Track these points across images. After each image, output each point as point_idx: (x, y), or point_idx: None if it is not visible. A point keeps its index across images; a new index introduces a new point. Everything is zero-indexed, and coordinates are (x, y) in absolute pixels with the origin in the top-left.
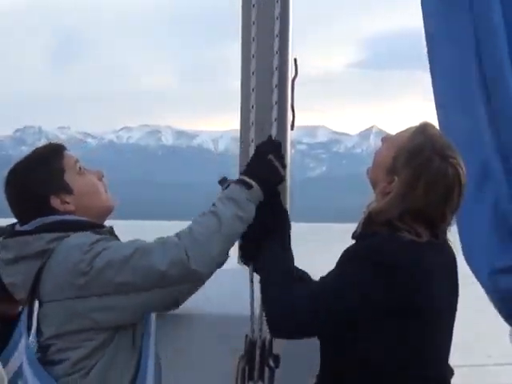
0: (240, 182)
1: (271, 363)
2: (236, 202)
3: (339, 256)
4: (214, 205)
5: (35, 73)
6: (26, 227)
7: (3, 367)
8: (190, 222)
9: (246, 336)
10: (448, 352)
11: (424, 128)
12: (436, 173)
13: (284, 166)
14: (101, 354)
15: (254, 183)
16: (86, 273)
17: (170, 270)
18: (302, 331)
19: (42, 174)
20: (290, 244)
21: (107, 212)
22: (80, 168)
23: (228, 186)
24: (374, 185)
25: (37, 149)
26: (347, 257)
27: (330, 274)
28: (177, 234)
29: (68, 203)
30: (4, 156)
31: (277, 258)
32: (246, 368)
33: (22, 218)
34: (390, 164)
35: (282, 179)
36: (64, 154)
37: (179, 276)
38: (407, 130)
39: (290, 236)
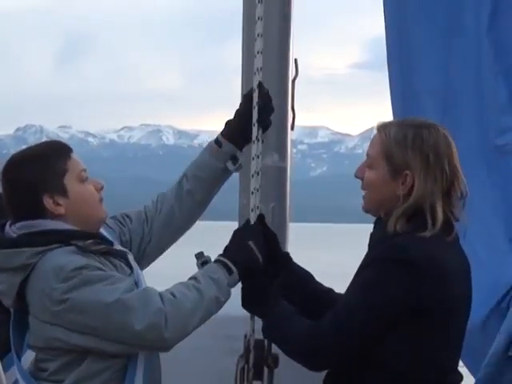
0: (222, 264)
1: (270, 363)
2: (218, 285)
3: (361, 261)
4: (196, 279)
5: (38, 72)
6: (10, 233)
7: (6, 371)
8: (174, 287)
9: (245, 336)
10: (459, 356)
11: (384, 124)
12: (431, 137)
13: (262, 252)
14: (77, 365)
15: (234, 269)
16: (59, 302)
17: (144, 332)
18: (333, 358)
19: (42, 169)
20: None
21: (98, 223)
22: (84, 177)
23: (204, 262)
24: (382, 205)
25: (44, 143)
26: (369, 262)
27: (352, 285)
28: (161, 296)
29: (60, 205)
30: (5, 155)
31: (282, 313)
32: (246, 368)
33: (13, 214)
34: (387, 169)
35: (260, 267)
36: (71, 157)
37: (151, 340)
38: (374, 141)
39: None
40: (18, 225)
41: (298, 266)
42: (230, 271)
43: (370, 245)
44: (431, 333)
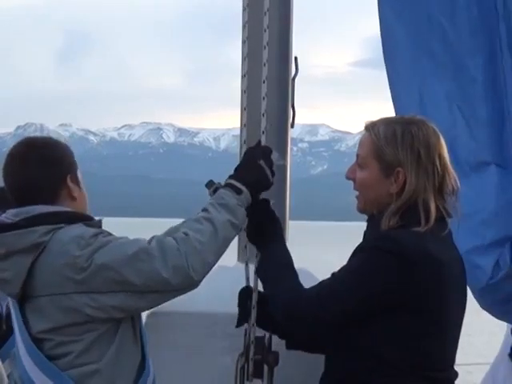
0: (229, 186)
1: (270, 361)
2: (228, 208)
3: (352, 251)
4: (206, 210)
5: (38, 70)
6: (5, 220)
7: (3, 361)
8: (182, 223)
9: (245, 334)
10: (455, 353)
11: (372, 124)
12: (421, 133)
13: (273, 172)
14: (105, 345)
15: (243, 188)
16: (84, 268)
17: (173, 277)
18: (308, 322)
19: (70, 153)
20: (285, 243)
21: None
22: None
23: (215, 189)
24: (376, 204)
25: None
26: (360, 249)
27: (341, 268)
28: (174, 238)
29: (77, 189)
30: (5, 153)
31: (278, 255)
32: (246, 366)
33: (26, 192)
34: (379, 168)
35: (270, 184)
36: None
37: (181, 284)
38: (363, 141)
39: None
40: (13, 211)
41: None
42: (238, 191)
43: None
44: (420, 323)
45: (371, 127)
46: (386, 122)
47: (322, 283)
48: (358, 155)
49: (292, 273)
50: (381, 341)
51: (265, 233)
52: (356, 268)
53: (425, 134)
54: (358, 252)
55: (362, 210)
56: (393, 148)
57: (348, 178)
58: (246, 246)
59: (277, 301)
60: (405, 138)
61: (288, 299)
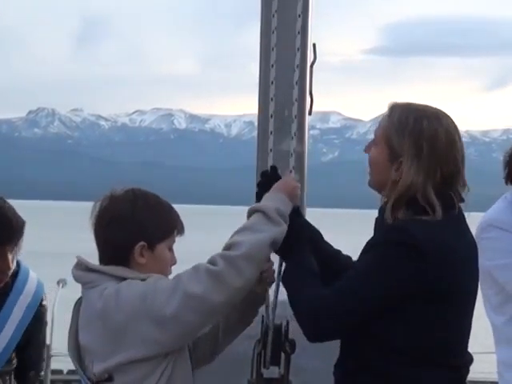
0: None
1: (287, 348)
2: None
3: (363, 246)
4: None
5: (51, 56)
6: None
7: None
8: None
9: (263, 321)
10: (468, 338)
11: (393, 107)
12: (431, 129)
13: None
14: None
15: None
16: None
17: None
18: (333, 329)
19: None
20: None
21: None
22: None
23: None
24: (383, 186)
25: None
26: (373, 244)
27: (356, 266)
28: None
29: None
30: (17, 137)
31: (302, 259)
32: (262, 353)
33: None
34: (388, 154)
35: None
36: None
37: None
38: (381, 119)
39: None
40: None
41: (308, 222)
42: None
43: (374, 229)
44: (433, 311)
45: (391, 109)
46: (404, 107)
47: (339, 285)
48: (374, 132)
49: (314, 279)
50: (394, 329)
51: (291, 238)
52: (371, 265)
53: (435, 130)
54: (371, 249)
55: (371, 186)
56: (399, 136)
57: (365, 151)
58: None
59: (299, 310)
60: (414, 129)
61: (309, 310)
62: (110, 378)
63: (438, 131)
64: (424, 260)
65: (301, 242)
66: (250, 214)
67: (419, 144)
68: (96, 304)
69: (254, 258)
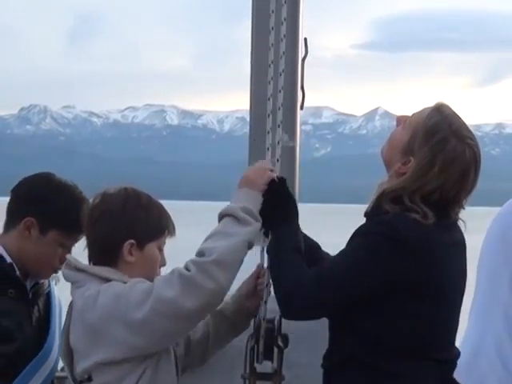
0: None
1: (280, 343)
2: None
3: (351, 235)
4: None
5: (43, 52)
6: None
7: None
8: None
9: (255, 315)
10: (456, 333)
11: (440, 108)
12: (452, 153)
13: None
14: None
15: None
16: None
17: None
18: (307, 310)
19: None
20: (298, 225)
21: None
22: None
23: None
24: (388, 165)
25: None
26: (359, 234)
27: (340, 252)
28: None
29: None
30: (9, 135)
31: (288, 238)
32: (255, 347)
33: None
34: (405, 145)
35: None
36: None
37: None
38: (423, 110)
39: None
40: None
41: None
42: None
43: (365, 214)
44: (418, 306)
45: (436, 109)
46: (443, 116)
47: (322, 270)
48: (410, 116)
49: (298, 258)
50: (380, 323)
51: (278, 213)
52: (354, 254)
53: (457, 154)
54: (356, 236)
55: (382, 156)
56: (422, 142)
57: (397, 118)
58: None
59: (278, 287)
60: (438, 144)
61: (288, 287)
62: (89, 378)
63: (456, 159)
64: (408, 255)
65: (289, 215)
66: (220, 219)
67: (433, 161)
68: (78, 304)
69: (225, 263)
